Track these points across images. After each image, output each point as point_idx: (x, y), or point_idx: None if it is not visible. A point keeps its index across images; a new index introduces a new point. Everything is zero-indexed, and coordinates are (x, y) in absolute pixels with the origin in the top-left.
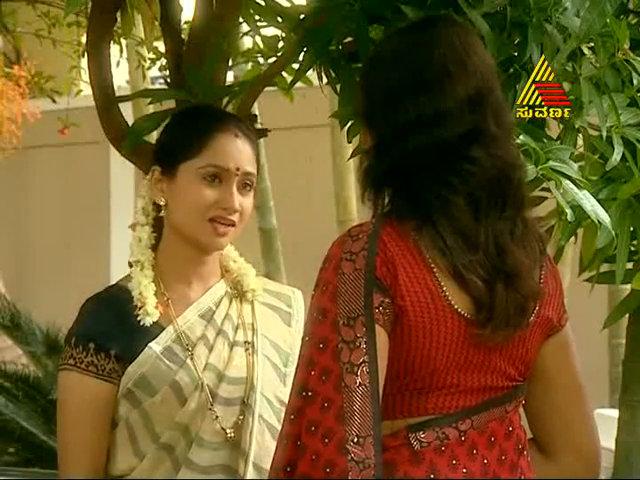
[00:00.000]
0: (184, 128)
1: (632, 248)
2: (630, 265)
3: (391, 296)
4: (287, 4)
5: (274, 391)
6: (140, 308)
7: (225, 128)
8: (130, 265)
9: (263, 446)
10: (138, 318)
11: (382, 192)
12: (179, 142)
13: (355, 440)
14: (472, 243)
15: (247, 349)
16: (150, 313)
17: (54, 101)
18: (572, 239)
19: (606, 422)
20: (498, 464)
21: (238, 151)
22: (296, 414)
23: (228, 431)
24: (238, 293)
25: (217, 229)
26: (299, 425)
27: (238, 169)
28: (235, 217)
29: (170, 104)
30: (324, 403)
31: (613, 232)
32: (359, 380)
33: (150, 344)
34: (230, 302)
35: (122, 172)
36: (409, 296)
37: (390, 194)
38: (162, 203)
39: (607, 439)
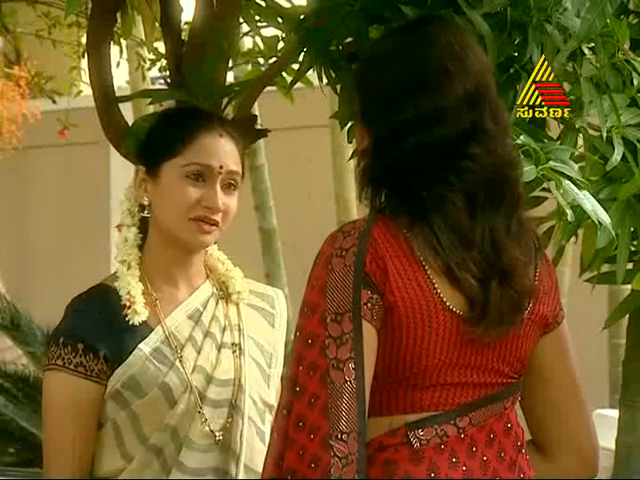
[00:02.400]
0: (168, 127)
1: (632, 248)
2: (630, 265)
3: (380, 292)
4: (287, 5)
5: (259, 392)
6: (129, 307)
7: (209, 127)
8: None
9: (253, 447)
10: (127, 318)
11: (380, 191)
12: (163, 141)
13: (339, 436)
14: (467, 241)
15: (234, 351)
16: (139, 312)
17: (54, 101)
18: (572, 239)
19: (606, 422)
20: (497, 461)
21: (222, 150)
22: (287, 409)
23: (217, 434)
24: (224, 294)
25: (201, 227)
26: (288, 419)
27: (222, 167)
28: (218, 217)
29: (170, 105)
30: (311, 398)
31: (613, 232)
32: (345, 376)
33: (140, 345)
34: (216, 303)
35: (122, 172)
36: (399, 292)
37: (387, 192)
38: (146, 203)
39: (607, 439)
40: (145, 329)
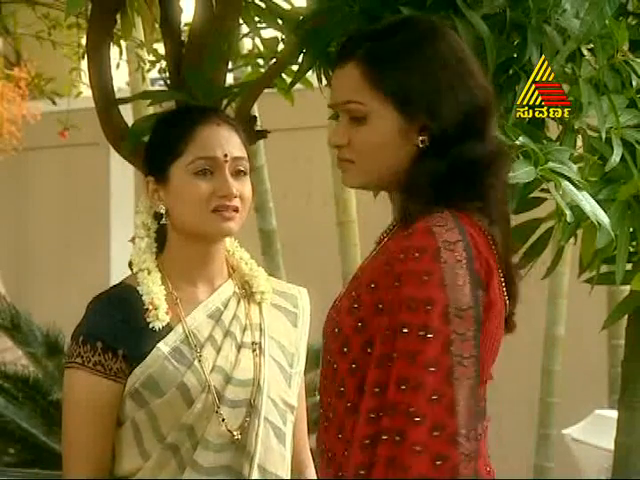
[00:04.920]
0: (165, 131)
1: (631, 249)
2: (629, 266)
3: (485, 290)
4: (287, 6)
5: (279, 393)
6: (151, 312)
7: (205, 120)
8: (130, 266)
9: (269, 448)
10: (148, 320)
11: (442, 190)
12: (164, 145)
13: (466, 433)
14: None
15: (254, 350)
16: (161, 319)
17: (54, 103)
18: (572, 240)
19: (605, 423)
20: (489, 459)
21: (223, 139)
22: (394, 407)
23: (234, 433)
24: (246, 293)
25: (223, 216)
26: (398, 417)
27: (226, 156)
28: (236, 202)
29: (170, 106)
30: (432, 395)
31: (612, 233)
32: (468, 373)
33: (158, 345)
34: (238, 303)
35: (122, 173)
36: (495, 290)
37: (453, 192)
38: (163, 211)
39: (606, 439)
40: (165, 328)
